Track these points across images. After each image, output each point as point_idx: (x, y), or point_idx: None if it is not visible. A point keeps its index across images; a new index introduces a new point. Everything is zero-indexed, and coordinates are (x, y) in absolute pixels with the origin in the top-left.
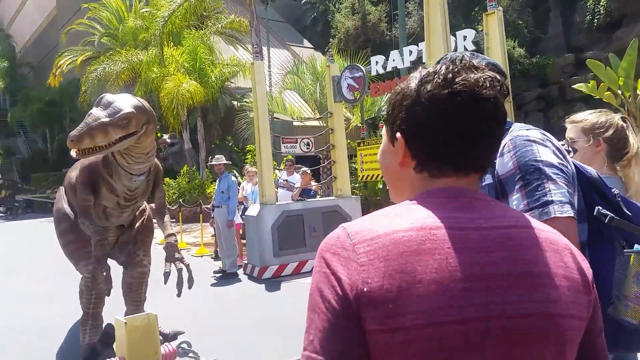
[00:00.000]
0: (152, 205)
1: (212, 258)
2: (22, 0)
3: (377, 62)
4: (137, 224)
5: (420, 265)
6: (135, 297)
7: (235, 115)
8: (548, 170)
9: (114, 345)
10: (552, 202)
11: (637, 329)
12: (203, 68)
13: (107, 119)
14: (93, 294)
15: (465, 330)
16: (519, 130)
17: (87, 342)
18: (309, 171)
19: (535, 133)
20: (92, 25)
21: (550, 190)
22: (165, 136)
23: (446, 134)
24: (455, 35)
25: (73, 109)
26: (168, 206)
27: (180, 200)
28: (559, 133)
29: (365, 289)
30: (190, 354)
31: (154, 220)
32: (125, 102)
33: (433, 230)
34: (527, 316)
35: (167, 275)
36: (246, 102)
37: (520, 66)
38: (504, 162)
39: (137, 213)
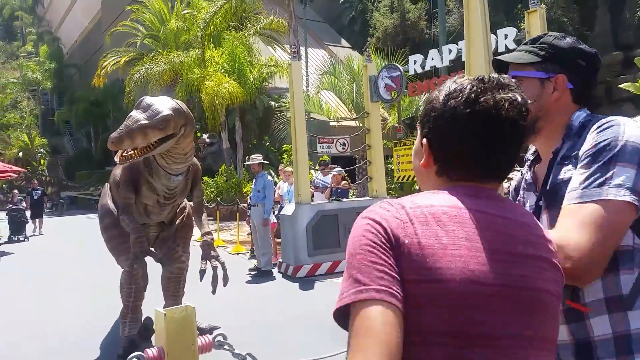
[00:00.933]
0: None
1: (248, 256)
2: (69, 3)
3: (415, 61)
4: (177, 221)
5: (453, 233)
6: (173, 291)
7: (272, 115)
8: (621, 151)
9: (154, 336)
10: (608, 184)
11: None
12: (242, 69)
13: (146, 121)
14: (133, 287)
15: (489, 292)
16: (621, 120)
17: (126, 334)
18: (338, 172)
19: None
20: (135, 27)
21: (613, 174)
22: (205, 136)
23: (465, 148)
24: (496, 34)
25: (116, 109)
26: (206, 204)
27: (218, 198)
28: None
29: (406, 241)
30: (226, 347)
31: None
32: (164, 105)
33: (462, 209)
34: (537, 290)
35: (202, 272)
36: (283, 102)
37: None
38: (586, 140)
39: (177, 210)
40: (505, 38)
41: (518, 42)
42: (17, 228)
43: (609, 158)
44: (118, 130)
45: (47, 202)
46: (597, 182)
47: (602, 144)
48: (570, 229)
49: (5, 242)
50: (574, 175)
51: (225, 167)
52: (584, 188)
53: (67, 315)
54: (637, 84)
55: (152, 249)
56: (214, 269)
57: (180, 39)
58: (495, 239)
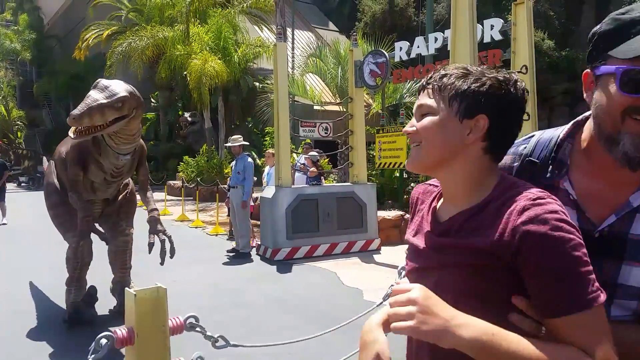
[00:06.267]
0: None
1: (226, 238)
2: None
3: (401, 48)
4: (120, 197)
5: None
6: (120, 265)
7: (256, 96)
8: None
9: (125, 316)
10: None
11: None
12: (227, 48)
13: (105, 101)
14: (78, 261)
15: None
16: None
17: (71, 301)
18: (311, 157)
19: None
20: None
21: None
22: (187, 114)
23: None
24: (482, 24)
25: None
26: (186, 184)
27: (198, 179)
28: None
29: None
30: (197, 329)
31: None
32: (120, 87)
33: None
34: None
35: (151, 246)
36: (268, 83)
37: (548, 59)
38: None
39: (120, 188)
40: (492, 29)
41: (503, 33)
42: None
43: None
44: (79, 107)
45: (13, 179)
46: None
47: None
48: None
49: None
50: None
51: (207, 147)
52: None
53: (19, 291)
54: None
55: (98, 226)
56: (162, 242)
57: (165, 13)
58: None
